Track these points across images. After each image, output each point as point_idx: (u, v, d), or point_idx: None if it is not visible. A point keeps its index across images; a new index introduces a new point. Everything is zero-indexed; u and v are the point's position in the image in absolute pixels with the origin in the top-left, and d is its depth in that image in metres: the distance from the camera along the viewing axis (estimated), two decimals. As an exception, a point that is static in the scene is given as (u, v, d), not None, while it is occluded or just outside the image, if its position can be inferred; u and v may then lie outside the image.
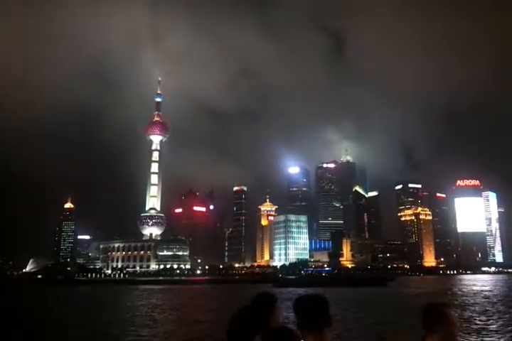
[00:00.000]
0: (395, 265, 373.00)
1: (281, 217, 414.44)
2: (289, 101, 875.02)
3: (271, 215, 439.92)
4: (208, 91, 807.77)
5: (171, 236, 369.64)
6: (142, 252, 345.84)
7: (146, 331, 41.46)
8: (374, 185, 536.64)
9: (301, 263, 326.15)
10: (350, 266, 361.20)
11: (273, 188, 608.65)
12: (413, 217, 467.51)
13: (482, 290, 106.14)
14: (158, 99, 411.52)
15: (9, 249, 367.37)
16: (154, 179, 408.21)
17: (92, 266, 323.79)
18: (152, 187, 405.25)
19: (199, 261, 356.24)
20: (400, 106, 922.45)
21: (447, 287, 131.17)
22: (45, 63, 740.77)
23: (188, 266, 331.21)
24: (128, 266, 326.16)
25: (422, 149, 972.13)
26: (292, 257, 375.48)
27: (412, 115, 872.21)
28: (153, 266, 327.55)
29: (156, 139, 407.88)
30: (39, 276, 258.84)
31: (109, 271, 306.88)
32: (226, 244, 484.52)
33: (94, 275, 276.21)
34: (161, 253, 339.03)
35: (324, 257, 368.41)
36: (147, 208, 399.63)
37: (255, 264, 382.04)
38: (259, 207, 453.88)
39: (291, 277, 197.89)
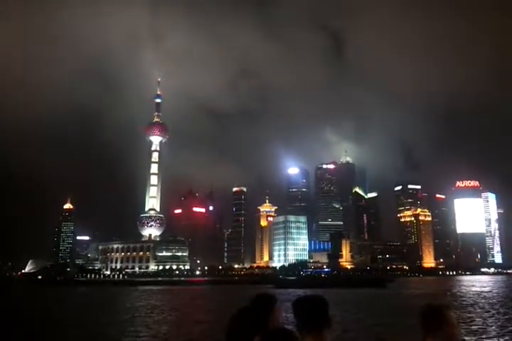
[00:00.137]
0: (394, 266, 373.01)
1: (281, 218, 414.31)
2: (288, 101, 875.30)
3: (270, 216, 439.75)
4: (208, 92, 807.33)
5: (170, 237, 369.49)
6: (141, 253, 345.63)
7: (146, 332, 41.41)
8: (373, 186, 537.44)
9: (300, 264, 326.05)
10: (349, 267, 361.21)
11: (272, 189, 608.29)
12: (412, 218, 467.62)
13: (482, 291, 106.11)
14: (158, 100, 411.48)
15: (8, 249, 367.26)
16: (154, 180, 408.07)
17: (91, 267, 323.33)
18: (152, 188, 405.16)
19: (198, 261, 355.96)
20: (399, 107, 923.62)
21: (447, 288, 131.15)
22: (45, 63, 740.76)
23: (187, 267, 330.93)
24: (127, 267, 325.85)
25: (421, 150, 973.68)
26: (291, 258, 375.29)
27: (411, 115, 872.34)
28: (153, 267, 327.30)
29: (155, 140, 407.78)
30: (39, 277, 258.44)
31: (108, 272, 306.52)
32: (225, 245, 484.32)
33: (93, 276, 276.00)
34: (160, 254, 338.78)
35: (323, 258, 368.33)
36: (146, 209, 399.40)
37: (254, 265, 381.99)
38: (259, 207, 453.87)
39: (291, 278, 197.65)
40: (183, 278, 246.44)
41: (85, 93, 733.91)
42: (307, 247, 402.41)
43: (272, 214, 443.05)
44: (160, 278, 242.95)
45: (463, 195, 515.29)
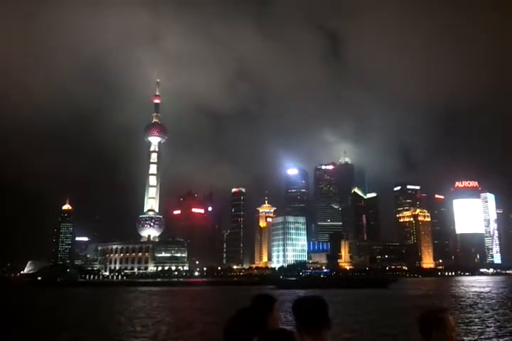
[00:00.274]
0: (393, 266, 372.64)
1: (280, 219, 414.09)
2: (287, 101, 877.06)
3: (269, 217, 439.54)
4: (207, 92, 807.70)
5: (169, 238, 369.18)
6: (140, 254, 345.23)
7: (145, 332, 41.33)
8: (372, 186, 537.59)
9: (299, 265, 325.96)
10: (348, 267, 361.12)
11: (271, 190, 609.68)
12: (411, 219, 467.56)
13: (481, 292, 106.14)
14: (157, 101, 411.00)
15: (7, 250, 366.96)
16: (153, 181, 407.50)
17: (89, 268, 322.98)
18: (150, 189, 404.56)
19: (197, 262, 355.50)
20: (399, 107, 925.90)
21: (449, 288, 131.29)
22: (45, 63, 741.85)
23: (186, 268, 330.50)
24: (126, 268, 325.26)
25: (420, 150, 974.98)
26: (290, 259, 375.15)
27: (411, 115, 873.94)
28: (151, 268, 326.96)
29: (154, 141, 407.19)
30: (39, 278, 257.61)
31: (107, 273, 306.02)
32: (224, 246, 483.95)
33: (92, 277, 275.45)
34: (159, 255, 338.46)
35: (322, 259, 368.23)
36: (145, 210, 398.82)
37: (253, 266, 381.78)
38: (258, 208, 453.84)
39: (292, 279, 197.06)
40: (181, 279, 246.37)
41: (85, 93, 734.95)
42: (306, 248, 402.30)
43: (271, 214, 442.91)
44: (159, 279, 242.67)
45: (462, 196, 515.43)
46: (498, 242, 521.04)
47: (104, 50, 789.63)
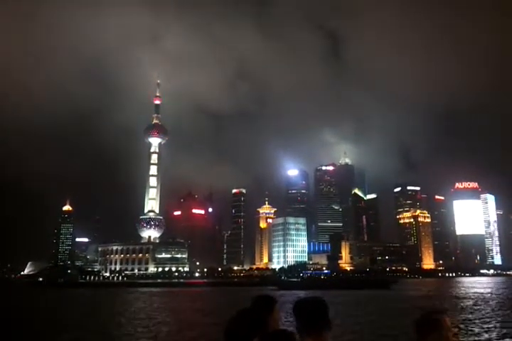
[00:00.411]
0: (393, 267, 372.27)
1: (280, 220, 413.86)
2: (287, 101, 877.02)
3: (270, 218, 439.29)
4: (207, 93, 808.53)
5: (169, 239, 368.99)
6: (140, 255, 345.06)
7: (146, 333, 41.34)
8: (373, 187, 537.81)
9: (299, 266, 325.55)
10: (348, 268, 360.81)
11: (272, 190, 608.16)
12: (412, 220, 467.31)
13: (482, 293, 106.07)
14: (158, 102, 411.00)
15: (8, 251, 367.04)
16: (153, 181, 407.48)
17: (90, 269, 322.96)
18: (151, 190, 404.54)
19: (197, 263, 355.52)
20: (399, 107, 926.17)
21: (449, 289, 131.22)
22: (45, 63, 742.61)
23: (186, 269, 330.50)
24: (126, 269, 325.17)
25: (420, 151, 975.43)
26: (291, 260, 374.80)
27: (411, 115, 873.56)
28: (152, 269, 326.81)
29: (154, 142, 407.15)
30: (40, 279, 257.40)
31: (108, 274, 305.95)
32: (225, 247, 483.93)
33: (92, 277, 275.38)
34: (159, 256, 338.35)
35: (323, 260, 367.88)
36: (146, 211, 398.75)
37: (254, 267, 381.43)
38: (258, 209, 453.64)
39: (294, 280, 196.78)
40: (182, 280, 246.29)
41: (85, 93, 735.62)
42: (306, 249, 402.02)
43: (272, 215, 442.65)
44: (159, 280, 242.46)
45: (462, 197, 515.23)
46: (498, 243, 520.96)
47: (104, 50, 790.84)
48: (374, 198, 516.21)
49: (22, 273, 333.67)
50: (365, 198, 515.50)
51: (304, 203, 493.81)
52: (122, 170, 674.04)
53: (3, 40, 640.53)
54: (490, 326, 42.17)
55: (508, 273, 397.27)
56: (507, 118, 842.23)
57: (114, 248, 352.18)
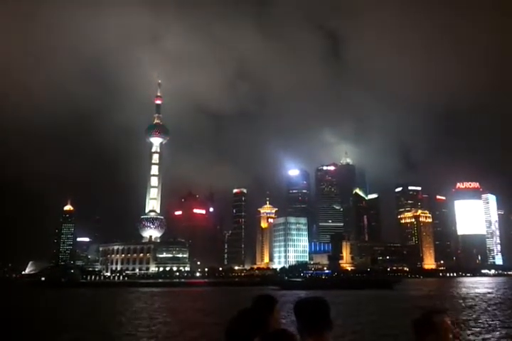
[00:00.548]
0: (394, 267, 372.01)
1: (281, 220, 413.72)
2: (288, 101, 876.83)
3: (271, 217, 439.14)
4: (207, 93, 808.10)
5: (170, 239, 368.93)
6: (142, 254, 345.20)
7: (147, 333, 41.29)
8: (374, 187, 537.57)
9: (300, 266, 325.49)
10: (349, 268, 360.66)
11: (273, 190, 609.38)
12: (413, 220, 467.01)
13: (483, 293, 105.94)
14: (158, 102, 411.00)
15: (8, 251, 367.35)
16: (154, 181, 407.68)
17: (91, 269, 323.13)
18: (152, 190, 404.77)
19: (198, 263, 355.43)
20: (399, 107, 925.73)
21: (450, 289, 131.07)
22: (45, 63, 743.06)
23: (187, 269, 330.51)
24: (127, 269, 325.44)
25: (421, 151, 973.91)
26: (292, 260, 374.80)
27: (411, 115, 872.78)
28: (153, 269, 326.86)
29: (156, 141, 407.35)
30: (42, 279, 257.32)
31: (109, 274, 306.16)
32: (226, 247, 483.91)
33: (93, 277, 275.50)
34: (160, 256, 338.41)
35: (324, 260, 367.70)
36: (147, 210, 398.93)
37: (255, 267, 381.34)
38: (259, 209, 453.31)
39: (297, 280, 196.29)
40: (183, 280, 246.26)
41: (85, 93, 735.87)
42: (307, 249, 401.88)
43: (272, 215, 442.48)
44: (160, 280, 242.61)
45: (463, 197, 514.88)
46: (499, 243, 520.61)
47: (104, 50, 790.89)
48: (375, 198, 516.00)
49: (23, 272, 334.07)
50: (366, 198, 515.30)
51: (305, 203, 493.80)
52: (122, 170, 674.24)
53: (3, 40, 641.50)
54: (490, 326, 42.08)
55: (509, 273, 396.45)
56: (507, 118, 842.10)
57: (115, 248, 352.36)
